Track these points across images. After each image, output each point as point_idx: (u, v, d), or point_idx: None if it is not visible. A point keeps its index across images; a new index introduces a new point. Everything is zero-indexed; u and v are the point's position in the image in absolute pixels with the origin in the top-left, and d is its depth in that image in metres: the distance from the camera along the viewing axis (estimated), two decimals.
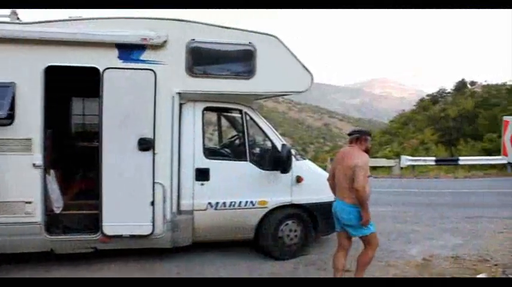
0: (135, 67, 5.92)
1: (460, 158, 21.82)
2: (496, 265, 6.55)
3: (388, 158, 22.75)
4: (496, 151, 21.51)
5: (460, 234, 8.38)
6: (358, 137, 5.41)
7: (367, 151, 5.38)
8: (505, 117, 5.48)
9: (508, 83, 45.51)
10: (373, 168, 21.91)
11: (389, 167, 21.08)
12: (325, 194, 6.90)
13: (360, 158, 5.15)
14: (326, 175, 7.21)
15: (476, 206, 11.42)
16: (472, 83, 65.30)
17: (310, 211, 6.77)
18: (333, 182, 5.52)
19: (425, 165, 20.88)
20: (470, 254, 7.09)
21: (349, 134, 5.52)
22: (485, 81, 57.57)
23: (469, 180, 18.35)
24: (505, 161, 19.14)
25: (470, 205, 11.67)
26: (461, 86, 60.88)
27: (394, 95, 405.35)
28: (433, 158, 21.66)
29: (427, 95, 74.57)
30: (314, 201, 6.75)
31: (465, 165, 21.19)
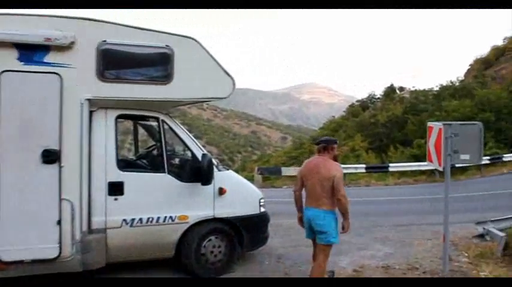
0: (38, 70, 5.69)
1: (390, 164, 23.01)
2: (424, 272, 6.97)
3: None
4: (425, 156, 22.86)
5: (391, 243, 8.85)
6: (325, 146, 5.83)
7: (335, 159, 5.84)
8: (429, 123, 5.85)
9: (435, 88, 48.83)
10: None
11: None
12: (251, 207, 7.05)
13: (336, 169, 5.64)
14: (251, 186, 7.40)
15: (406, 214, 12.11)
16: (401, 89, 69.16)
17: (235, 225, 6.82)
18: (300, 193, 5.94)
19: (355, 173, 21.74)
20: (400, 262, 7.50)
21: (317, 144, 5.97)
22: (413, 86, 60.83)
23: (400, 187, 19.42)
24: (432, 167, 20.56)
25: (401, 213, 12.35)
26: (390, 91, 64.29)
27: (324, 100, 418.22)
28: (364, 165, 22.62)
29: (357, 101, 77.86)
30: (239, 214, 6.82)
31: (395, 172, 22.33)
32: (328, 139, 5.93)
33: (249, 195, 7.10)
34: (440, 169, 6.66)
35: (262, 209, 7.22)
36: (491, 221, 8.62)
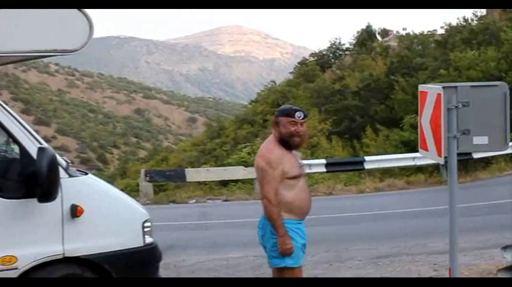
0: None
1: (367, 158, 23.43)
2: None
3: (248, 165, 23.53)
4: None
5: None
6: (272, 119, 6.68)
7: (283, 140, 6.45)
8: (421, 87, 5.92)
9: (439, 31, 50.20)
10: (224, 184, 22.62)
11: (252, 180, 21.84)
12: (129, 236, 7.04)
13: (260, 155, 6.44)
14: (129, 201, 7.35)
15: (393, 238, 12.49)
16: (384, 33, 70.74)
17: (100, 268, 6.80)
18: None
19: (312, 173, 21.98)
20: None
21: None
22: (404, 28, 62.29)
23: (382, 195, 19.85)
24: (436, 162, 21.06)
25: (385, 236, 12.72)
26: (366, 37, 65.49)
27: (257, 55, 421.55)
28: (324, 161, 22.90)
29: (312, 55, 78.92)
30: (107, 250, 6.80)
31: (376, 170, 22.81)
32: (279, 109, 6.72)
33: (124, 216, 7.12)
34: (441, 161, 6.81)
35: (149, 240, 7.22)
36: None
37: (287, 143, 6.45)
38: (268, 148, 6.52)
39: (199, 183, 22.19)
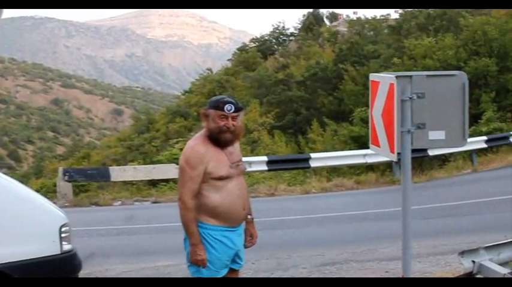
0: None
1: (313, 155, 23.52)
2: None
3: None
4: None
5: None
6: (203, 113, 6.44)
7: (212, 136, 6.31)
8: (373, 76, 5.94)
9: (392, 15, 50.71)
10: (153, 184, 22.50)
11: None
12: (43, 243, 7.02)
13: (184, 151, 6.40)
14: (44, 203, 7.26)
15: (339, 243, 12.60)
16: (333, 17, 71.26)
17: (8, 277, 6.70)
18: None
19: (252, 172, 22.01)
20: None
21: None
22: (355, 12, 62.62)
23: (329, 196, 19.95)
24: (389, 159, 21.24)
25: (330, 242, 12.82)
26: (312, 22, 65.87)
27: (191, 39, 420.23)
28: (265, 159, 22.94)
29: (253, 40, 79.08)
30: (14, 259, 6.74)
31: (322, 168, 22.92)
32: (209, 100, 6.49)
33: (39, 221, 7.06)
34: (394, 158, 6.86)
35: (67, 247, 7.21)
36: (486, 248, 9.06)
37: (216, 139, 6.30)
38: (191, 144, 6.39)
39: (125, 183, 22.02)
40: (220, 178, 6.21)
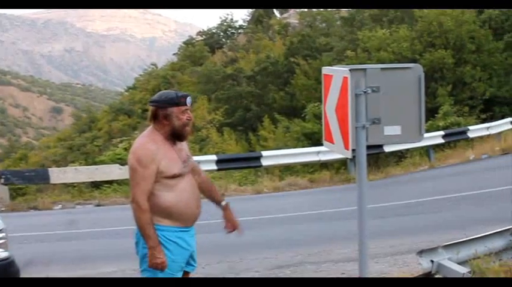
0: None
1: (265, 153, 23.60)
2: None
3: (124, 163, 23.40)
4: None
5: None
6: (152, 111, 6.36)
7: (176, 133, 6.32)
8: (325, 70, 5.96)
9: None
10: (96, 186, 22.39)
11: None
12: None
13: (133, 150, 6.29)
14: None
15: (293, 244, 12.63)
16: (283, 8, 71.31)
17: None
18: None
19: None
20: None
21: None
22: None
23: (282, 195, 20.02)
24: (344, 156, 21.39)
25: (284, 243, 12.85)
26: (262, 13, 65.91)
27: (134, 32, 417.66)
28: (214, 158, 22.98)
29: (200, 33, 78.89)
30: None
31: (274, 166, 23.01)
32: (153, 99, 6.45)
33: None
34: (349, 155, 6.90)
35: (3, 254, 7.20)
36: (444, 247, 9.18)
37: (180, 135, 6.33)
38: (140, 142, 6.33)
39: (66, 185, 21.86)
40: (173, 177, 6.19)
